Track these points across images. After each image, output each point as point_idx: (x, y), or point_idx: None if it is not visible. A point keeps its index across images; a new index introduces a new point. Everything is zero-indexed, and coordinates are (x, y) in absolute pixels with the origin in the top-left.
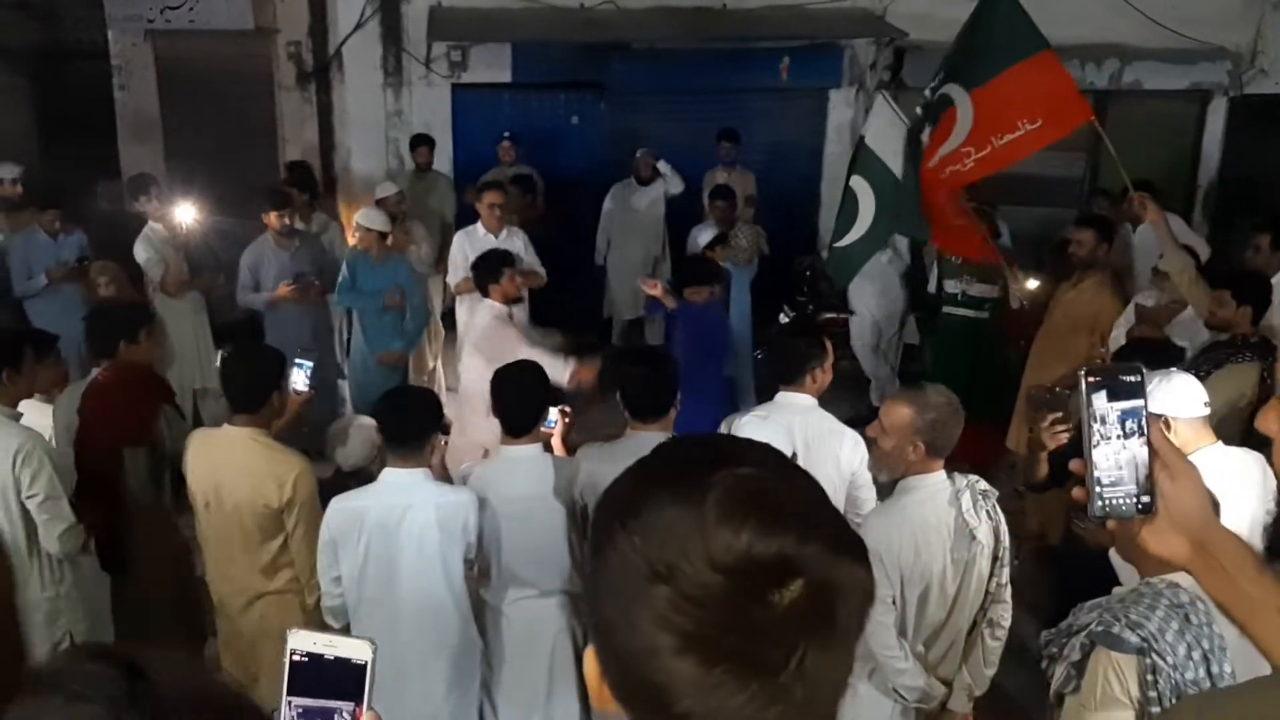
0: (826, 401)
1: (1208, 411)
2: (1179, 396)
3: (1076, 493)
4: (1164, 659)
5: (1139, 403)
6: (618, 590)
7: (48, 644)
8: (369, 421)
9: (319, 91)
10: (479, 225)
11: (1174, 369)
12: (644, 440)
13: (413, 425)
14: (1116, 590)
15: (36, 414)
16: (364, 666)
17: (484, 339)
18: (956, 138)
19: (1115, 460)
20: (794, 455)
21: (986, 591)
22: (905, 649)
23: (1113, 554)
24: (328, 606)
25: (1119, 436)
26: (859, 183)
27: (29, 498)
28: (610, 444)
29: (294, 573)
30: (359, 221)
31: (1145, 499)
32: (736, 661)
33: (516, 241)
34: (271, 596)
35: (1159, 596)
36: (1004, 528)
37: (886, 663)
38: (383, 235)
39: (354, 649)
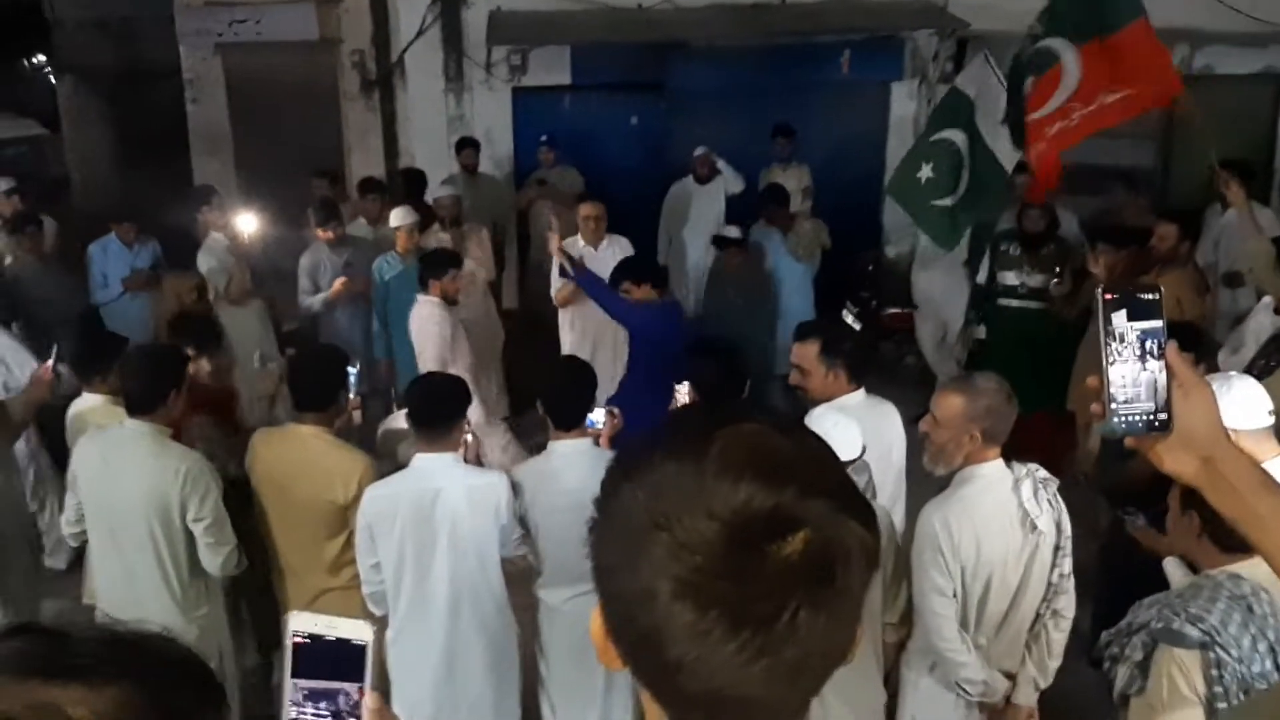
0: (893, 398)
1: (1272, 420)
2: (1241, 407)
3: (1094, 408)
4: (1228, 652)
5: (1157, 323)
6: (620, 538)
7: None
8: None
9: (383, 100)
10: (578, 237)
11: (1234, 374)
12: None
13: (439, 410)
14: (1175, 585)
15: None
16: (363, 648)
17: (438, 326)
18: (1063, 92)
19: (1132, 378)
20: (864, 449)
21: (1049, 582)
22: (967, 642)
23: (1167, 564)
24: (368, 594)
25: (1137, 355)
26: (958, 135)
27: (196, 520)
28: None
29: (358, 569)
30: (390, 224)
31: (1162, 416)
32: (728, 608)
33: (616, 251)
34: (336, 592)
35: (1219, 588)
36: (1065, 517)
37: (947, 656)
38: (410, 232)
39: (354, 630)
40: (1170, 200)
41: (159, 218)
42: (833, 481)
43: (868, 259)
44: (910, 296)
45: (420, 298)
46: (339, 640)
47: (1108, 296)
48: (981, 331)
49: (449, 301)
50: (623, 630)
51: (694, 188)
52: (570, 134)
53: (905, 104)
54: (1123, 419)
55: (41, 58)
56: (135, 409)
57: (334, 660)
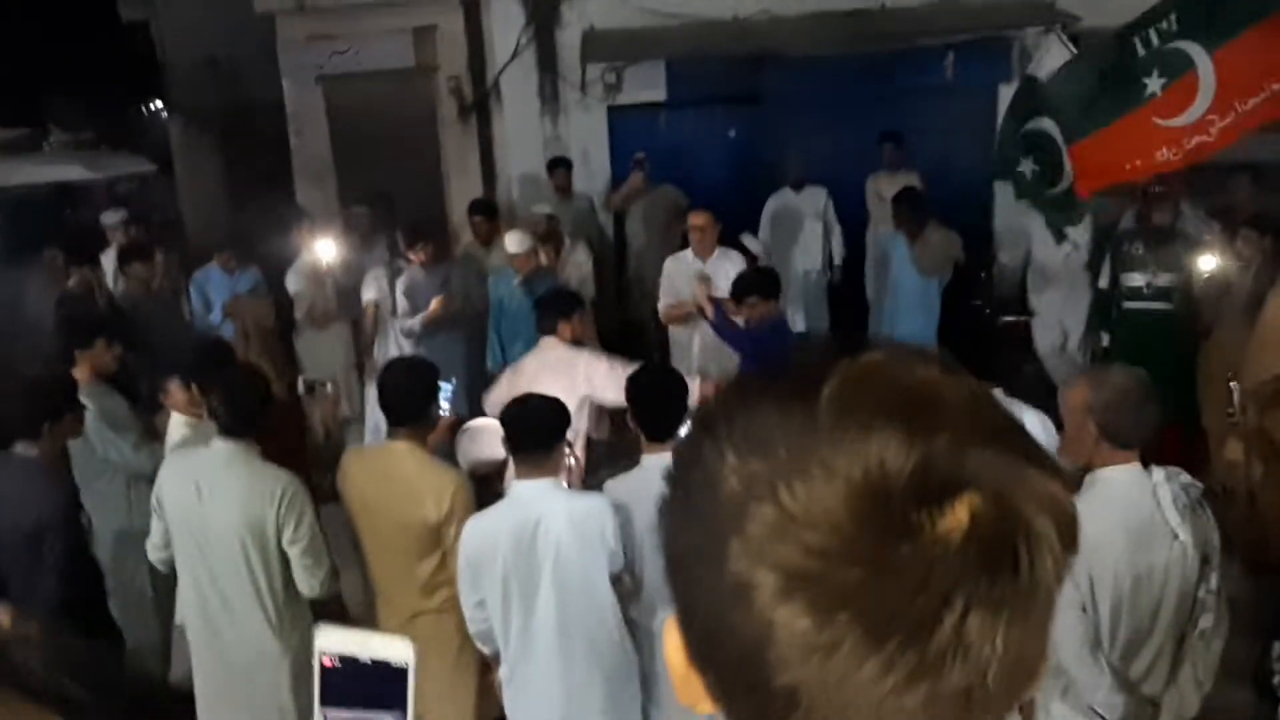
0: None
1: None
2: None
3: None
4: None
5: None
6: (700, 516)
7: (302, 694)
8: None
9: (480, 124)
10: (688, 250)
11: None
12: None
13: (538, 433)
14: None
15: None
16: (404, 670)
17: (559, 363)
18: (1200, 105)
19: None
20: None
21: (1195, 598)
22: (1100, 662)
23: None
24: (473, 632)
25: None
26: (1045, 122)
27: (293, 543)
28: None
29: (452, 591)
30: (507, 250)
31: None
32: (863, 609)
33: (727, 265)
34: (429, 616)
35: None
36: (1213, 526)
37: (1079, 677)
38: (528, 255)
39: (391, 649)
40: None
41: (263, 246)
42: (1000, 424)
43: (979, 266)
44: (1025, 303)
45: (545, 340)
46: (375, 662)
47: None
48: (1105, 338)
49: (576, 344)
50: (709, 650)
51: (791, 196)
52: (667, 150)
53: None
54: None
55: (157, 103)
56: (229, 431)
57: (371, 685)
